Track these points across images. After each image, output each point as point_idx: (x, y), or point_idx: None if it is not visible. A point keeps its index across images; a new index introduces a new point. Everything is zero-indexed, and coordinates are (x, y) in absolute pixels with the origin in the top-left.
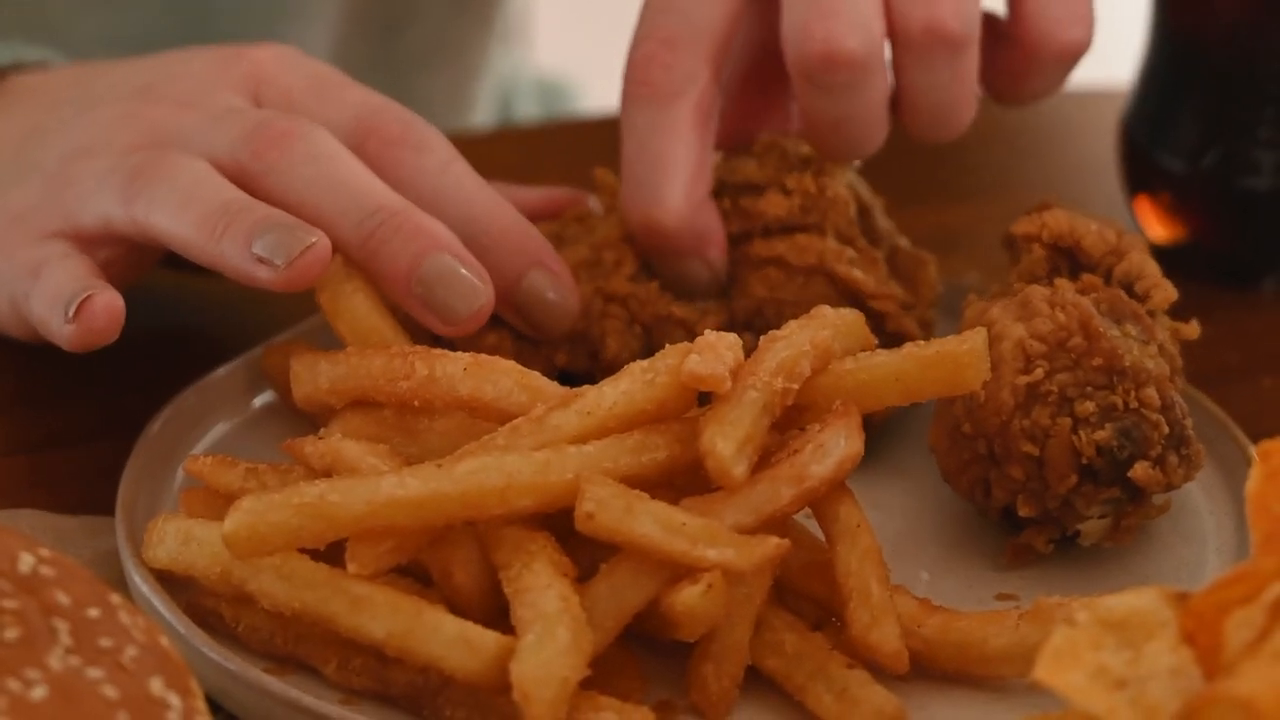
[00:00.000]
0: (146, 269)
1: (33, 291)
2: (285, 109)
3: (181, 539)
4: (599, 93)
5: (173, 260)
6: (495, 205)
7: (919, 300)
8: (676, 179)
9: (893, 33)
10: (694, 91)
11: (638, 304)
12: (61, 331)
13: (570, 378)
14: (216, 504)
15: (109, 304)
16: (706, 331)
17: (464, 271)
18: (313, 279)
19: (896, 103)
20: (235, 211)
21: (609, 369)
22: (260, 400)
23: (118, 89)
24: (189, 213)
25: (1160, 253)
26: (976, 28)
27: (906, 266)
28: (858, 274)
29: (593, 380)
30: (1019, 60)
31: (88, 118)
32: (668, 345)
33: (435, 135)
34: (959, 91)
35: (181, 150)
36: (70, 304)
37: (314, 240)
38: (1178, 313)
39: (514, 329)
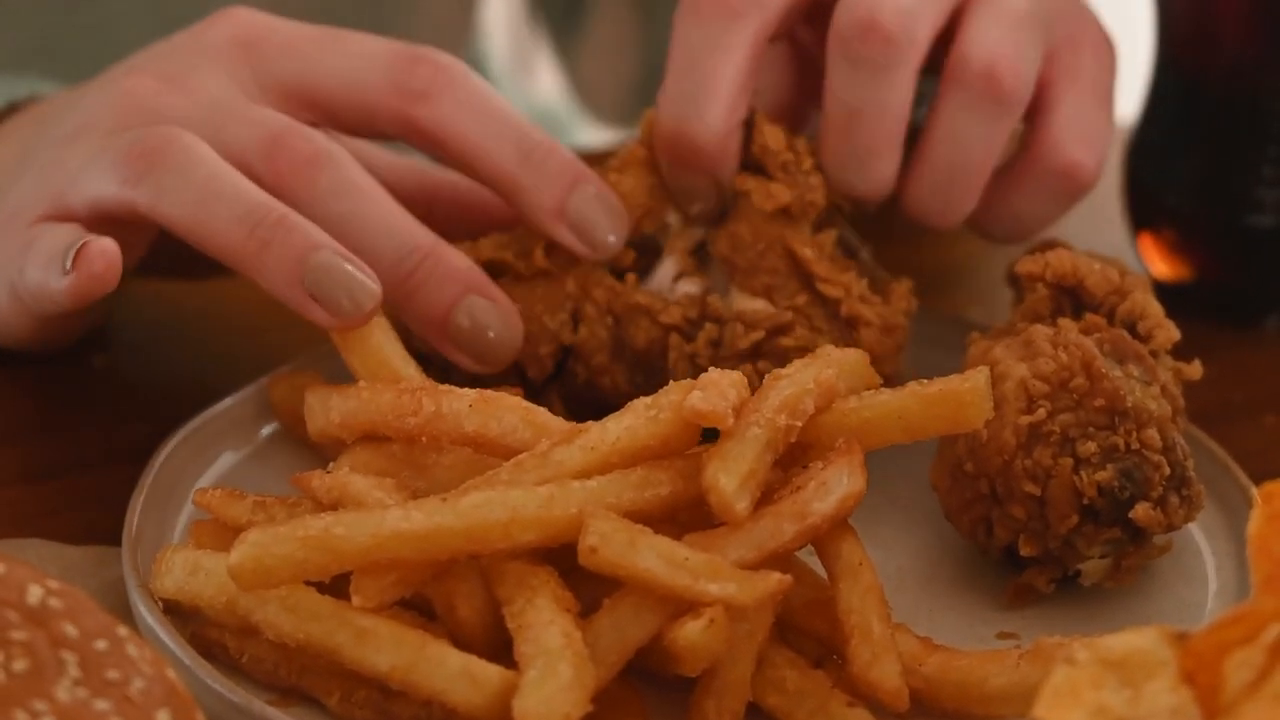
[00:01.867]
0: (140, 252)
1: (25, 263)
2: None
3: (189, 569)
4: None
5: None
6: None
7: (890, 306)
8: (722, 99)
9: (949, 65)
10: (758, 17)
11: (614, 294)
12: (60, 285)
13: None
14: (225, 535)
15: (105, 249)
16: (710, 369)
17: (489, 305)
18: (361, 325)
19: (915, 153)
20: (274, 224)
21: (579, 356)
22: (267, 430)
23: (104, 77)
24: (212, 211)
25: (1164, 290)
26: (1028, 94)
27: (883, 280)
28: (809, 253)
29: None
30: (1020, 165)
31: (75, 107)
32: (633, 332)
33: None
34: (981, 158)
35: (178, 129)
36: (66, 255)
37: (373, 289)
38: (1181, 351)
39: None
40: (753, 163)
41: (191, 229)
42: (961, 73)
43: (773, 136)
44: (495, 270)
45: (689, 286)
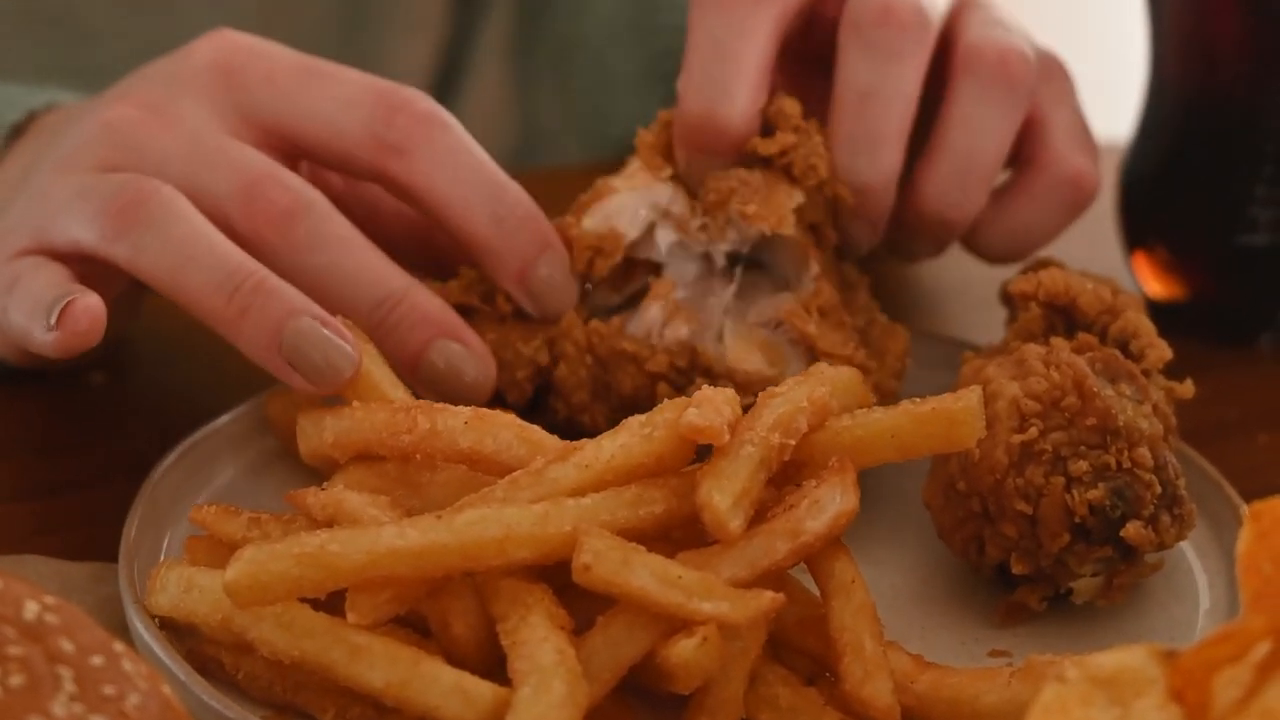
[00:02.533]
0: (122, 286)
1: (10, 304)
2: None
3: (184, 586)
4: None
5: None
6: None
7: (882, 368)
8: (749, 82)
9: (960, 57)
10: (780, 2)
11: (597, 337)
12: (45, 339)
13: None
14: (220, 552)
15: (90, 307)
16: (704, 386)
17: (462, 350)
18: (340, 390)
19: (931, 143)
20: (252, 289)
21: (559, 393)
22: (264, 447)
23: (96, 102)
24: (190, 273)
25: (1158, 309)
26: (1034, 85)
27: (878, 337)
28: (811, 329)
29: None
30: (1025, 178)
31: (67, 133)
32: (619, 378)
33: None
34: (997, 147)
35: (158, 178)
36: (51, 311)
37: (350, 354)
38: (1174, 370)
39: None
40: (767, 125)
41: (169, 290)
42: (975, 62)
43: (789, 104)
44: (463, 313)
45: (678, 331)
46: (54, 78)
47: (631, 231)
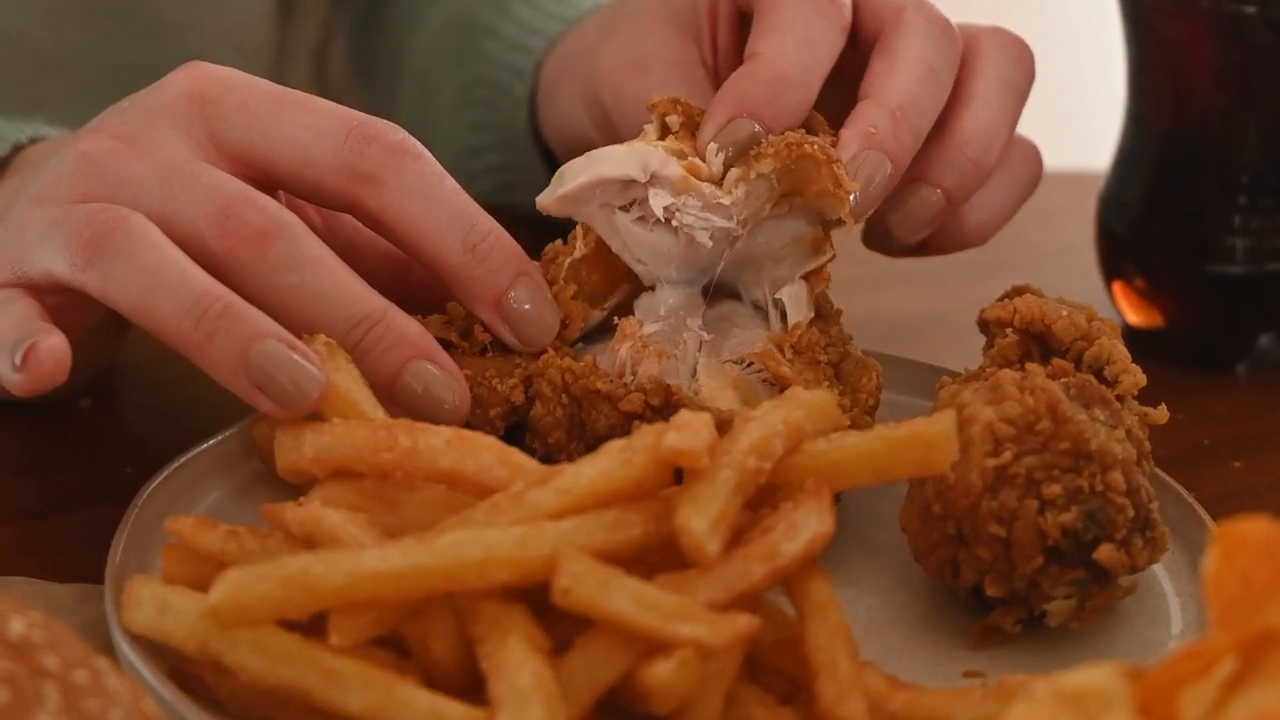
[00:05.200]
0: (100, 314)
1: None
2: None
3: (159, 607)
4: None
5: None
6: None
7: (855, 404)
8: (820, 79)
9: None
10: (848, 13)
11: (571, 376)
12: (10, 379)
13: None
14: (196, 564)
15: (54, 349)
16: (682, 411)
17: (439, 373)
18: (309, 411)
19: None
20: (218, 314)
21: (535, 432)
22: (251, 470)
23: (73, 135)
24: (158, 300)
25: (1136, 337)
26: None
27: (851, 372)
28: (786, 371)
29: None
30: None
31: (44, 166)
32: (594, 417)
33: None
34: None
35: (130, 207)
36: (16, 351)
37: (317, 377)
38: (1152, 396)
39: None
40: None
41: (139, 317)
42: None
43: (817, 118)
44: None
45: (650, 368)
46: (120, 74)
47: (611, 172)
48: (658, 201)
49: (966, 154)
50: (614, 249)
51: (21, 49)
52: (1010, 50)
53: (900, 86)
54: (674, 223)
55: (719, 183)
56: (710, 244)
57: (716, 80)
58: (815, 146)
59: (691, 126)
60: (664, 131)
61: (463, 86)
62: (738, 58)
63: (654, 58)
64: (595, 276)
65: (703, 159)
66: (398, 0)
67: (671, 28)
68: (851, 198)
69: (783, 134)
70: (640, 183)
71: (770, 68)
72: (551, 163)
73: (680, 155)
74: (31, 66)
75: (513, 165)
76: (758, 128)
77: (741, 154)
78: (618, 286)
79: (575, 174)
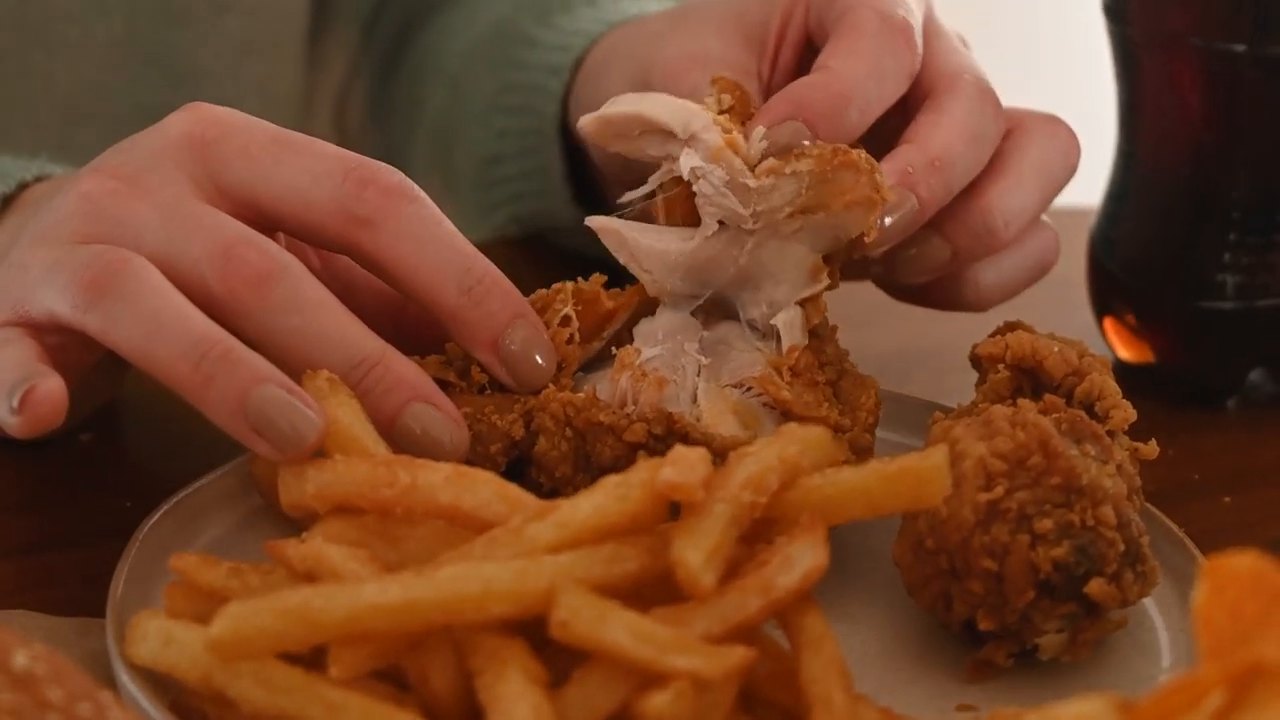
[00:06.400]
0: (100, 353)
1: None
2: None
3: (163, 640)
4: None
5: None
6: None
7: (855, 423)
8: (879, 111)
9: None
10: (917, 63)
11: (573, 410)
12: (8, 421)
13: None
14: (199, 601)
15: (51, 392)
16: (677, 446)
17: (438, 414)
18: (306, 456)
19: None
20: (218, 358)
21: (541, 467)
22: (251, 504)
23: (75, 174)
24: (158, 343)
25: (1126, 372)
26: None
27: (850, 390)
28: (786, 395)
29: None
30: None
31: (47, 206)
32: (598, 450)
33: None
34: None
35: (132, 248)
36: (14, 394)
37: (315, 421)
38: (1143, 432)
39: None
40: None
41: (139, 359)
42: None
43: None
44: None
45: (650, 395)
46: (149, 118)
47: (656, 115)
48: (687, 161)
49: (986, 220)
50: (621, 260)
51: (51, 92)
52: (1058, 140)
53: (942, 141)
54: (694, 188)
55: (752, 167)
56: (716, 227)
57: (767, 97)
58: (859, 155)
59: (742, 115)
60: (718, 108)
61: (494, 93)
62: (793, 80)
63: (715, 57)
64: (586, 321)
65: (746, 139)
66: (420, 42)
67: (739, 36)
68: (885, 219)
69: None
70: (676, 140)
71: (838, 83)
72: (571, 173)
73: (725, 130)
74: (61, 109)
75: (530, 174)
76: (809, 135)
77: (784, 149)
78: (608, 326)
79: (623, 104)
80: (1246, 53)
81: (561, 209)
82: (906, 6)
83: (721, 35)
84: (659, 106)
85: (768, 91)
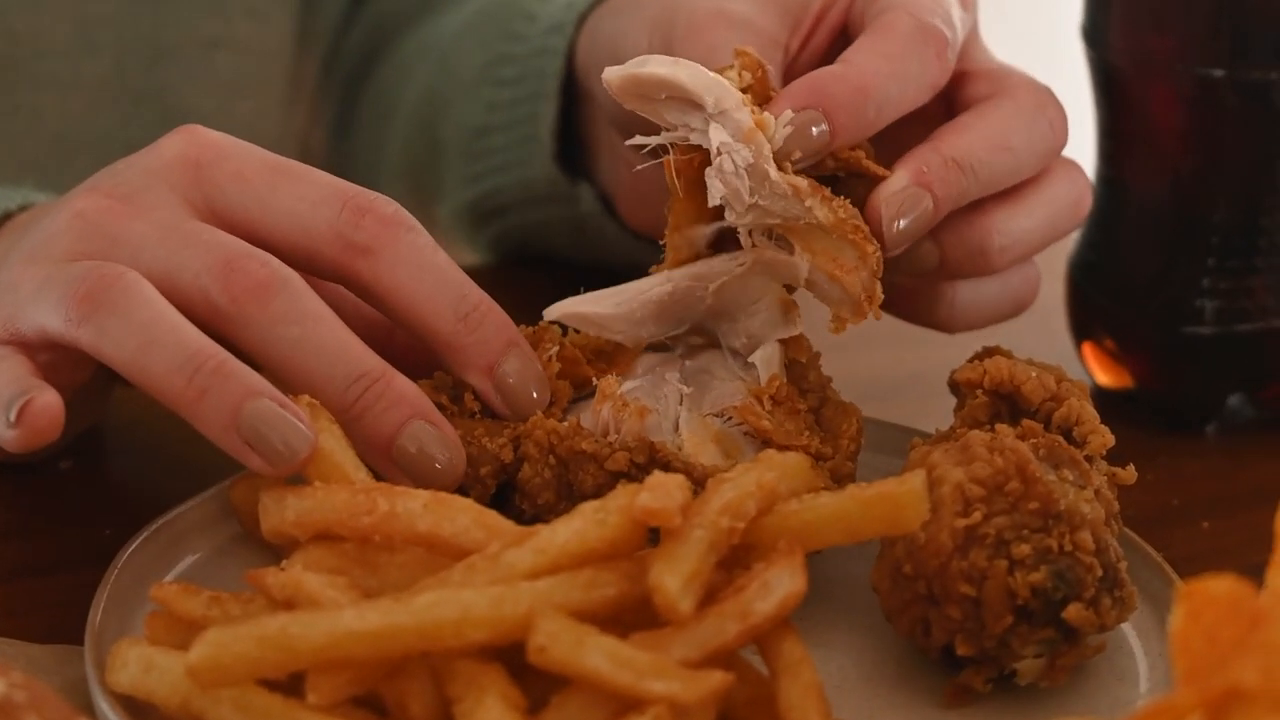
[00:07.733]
0: (91, 370)
1: None
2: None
3: (143, 666)
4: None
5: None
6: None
7: (837, 451)
8: (897, 114)
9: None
10: (944, 77)
11: (557, 438)
12: (4, 435)
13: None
14: (179, 630)
15: (48, 405)
16: (655, 472)
17: (436, 433)
18: (298, 470)
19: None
20: (211, 372)
21: (525, 494)
22: (230, 532)
23: (67, 195)
24: (151, 356)
25: (1105, 398)
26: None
27: (832, 418)
28: (766, 424)
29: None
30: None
31: (38, 226)
32: (580, 478)
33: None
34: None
35: (130, 265)
36: (10, 408)
37: (307, 435)
38: (1122, 457)
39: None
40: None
41: (132, 373)
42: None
43: (867, 146)
44: None
45: (632, 425)
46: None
47: (689, 84)
48: (717, 134)
49: (984, 240)
50: (591, 334)
51: (39, 129)
52: (1076, 186)
53: (964, 144)
54: (714, 162)
55: (774, 156)
56: (718, 201)
57: (789, 75)
58: (874, 251)
59: (760, 97)
60: (739, 85)
61: (484, 65)
62: (820, 64)
63: (746, 22)
64: (567, 379)
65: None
66: (379, 75)
67: (775, 7)
68: (900, 221)
69: (847, 155)
70: (698, 113)
71: (859, 77)
72: (560, 156)
73: (753, 111)
74: (49, 146)
75: (516, 144)
76: (825, 125)
77: (805, 141)
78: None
79: (656, 65)
80: (1225, 77)
81: (542, 171)
82: (947, 19)
83: (759, 1)
84: (693, 76)
85: (790, 67)
